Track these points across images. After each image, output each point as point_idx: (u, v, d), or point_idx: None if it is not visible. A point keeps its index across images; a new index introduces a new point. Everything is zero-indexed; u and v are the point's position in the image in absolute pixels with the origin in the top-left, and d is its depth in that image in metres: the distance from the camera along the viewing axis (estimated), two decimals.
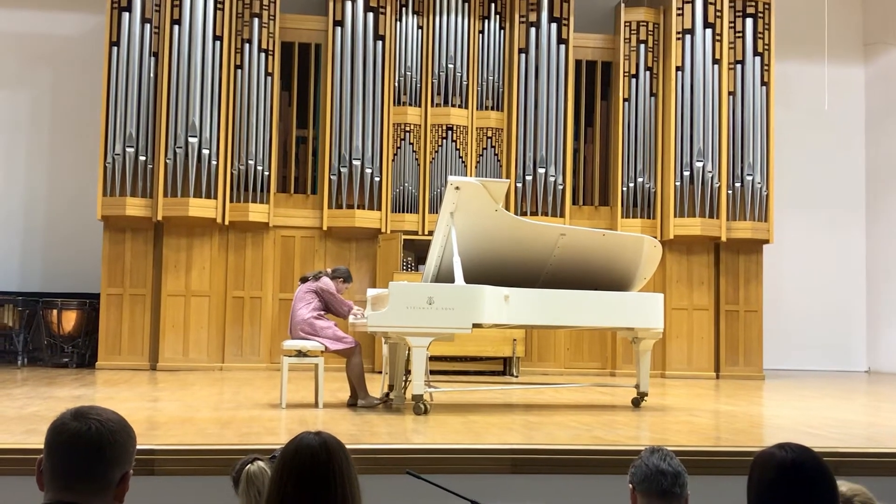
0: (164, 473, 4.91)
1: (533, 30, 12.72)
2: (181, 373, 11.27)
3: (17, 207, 13.08)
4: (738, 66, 12.84)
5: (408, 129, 12.49)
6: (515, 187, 12.47)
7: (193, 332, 11.87)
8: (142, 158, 11.75)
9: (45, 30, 13.23)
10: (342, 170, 12.15)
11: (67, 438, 2.08)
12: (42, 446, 2.12)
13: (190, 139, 11.70)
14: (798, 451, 2.49)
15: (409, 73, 12.51)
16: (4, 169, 13.09)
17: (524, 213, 12.26)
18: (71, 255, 12.79)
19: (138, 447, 2.22)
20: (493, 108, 12.71)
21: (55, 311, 11.79)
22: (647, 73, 12.93)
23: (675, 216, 12.49)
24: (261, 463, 3.44)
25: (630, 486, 2.88)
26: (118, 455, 2.10)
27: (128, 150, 11.67)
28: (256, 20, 12.19)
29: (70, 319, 11.83)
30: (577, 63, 13.01)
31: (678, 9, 12.74)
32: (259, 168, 12.01)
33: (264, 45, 12.23)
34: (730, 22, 12.84)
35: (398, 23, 12.56)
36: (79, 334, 11.89)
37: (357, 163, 12.14)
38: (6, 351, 12.24)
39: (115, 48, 11.83)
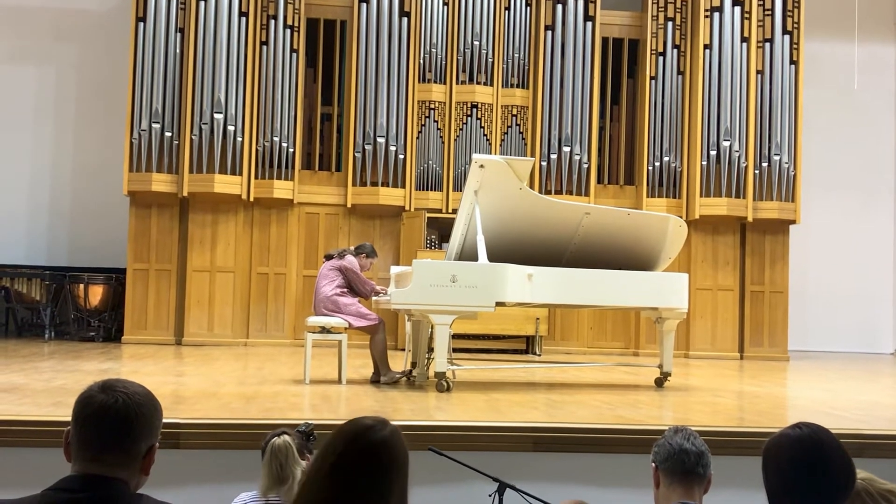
0: (189, 447, 4.95)
1: (560, 7, 12.63)
2: (206, 348, 11.36)
3: (44, 183, 13.18)
4: (767, 45, 12.71)
5: (432, 106, 12.46)
6: (540, 166, 12.42)
7: (218, 308, 11.94)
8: (168, 134, 11.80)
9: (72, 5, 13.28)
10: (366, 147, 12.15)
11: (95, 411, 2.09)
12: (69, 418, 2.15)
13: (215, 115, 11.73)
14: (812, 426, 2.50)
15: (434, 50, 12.46)
16: (31, 145, 13.18)
17: (549, 192, 12.21)
18: (97, 231, 12.89)
19: (163, 421, 2.24)
20: (518, 86, 12.65)
21: (82, 286, 11.90)
22: (675, 50, 12.81)
23: (700, 196, 12.42)
24: (287, 438, 3.48)
25: (653, 465, 2.88)
26: (145, 428, 2.12)
27: (154, 125, 11.72)
28: None
29: (96, 294, 11.94)
30: (604, 40, 12.90)
31: None
32: (284, 145, 12.03)
33: (290, 22, 12.22)
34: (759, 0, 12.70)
35: None
36: (105, 308, 12.00)
37: (381, 140, 12.13)
38: (33, 324, 12.39)
39: (141, 24, 11.86)
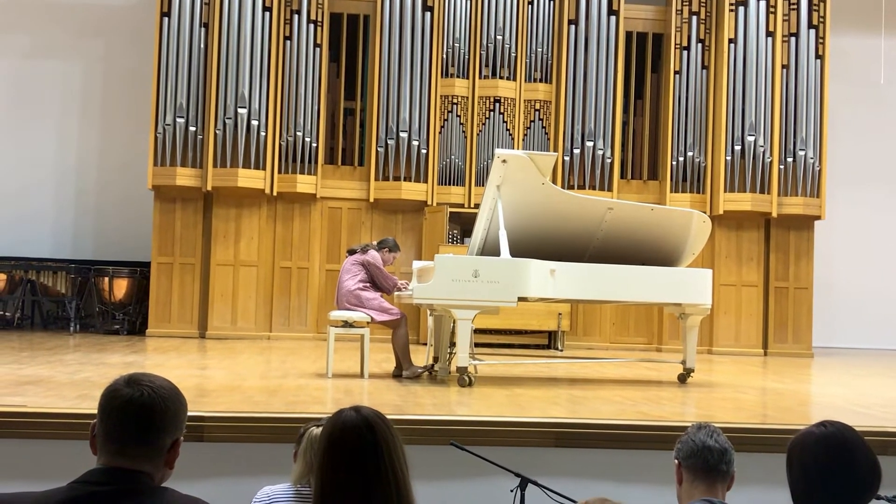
0: (213, 440, 4.98)
1: (583, 0, 12.58)
2: (229, 341, 11.42)
3: (69, 177, 13.29)
4: (793, 39, 12.61)
5: (455, 101, 12.45)
6: (563, 160, 12.39)
7: (242, 302, 12.00)
8: (192, 129, 11.86)
9: (98, 0, 13.36)
10: (389, 142, 12.16)
11: (120, 404, 2.11)
12: (95, 411, 2.16)
13: (239, 110, 11.78)
14: (837, 424, 2.49)
15: (457, 45, 12.45)
16: (57, 139, 13.30)
17: (571, 187, 12.18)
18: (122, 224, 12.99)
19: (188, 414, 2.25)
20: (541, 81, 12.62)
21: (106, 279, 11.99)
22: (699, 45, 12.73)
23: (725, 191, 12.34)
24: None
25: (676, 461, 2.88)
26: (170, 421, 2.14)
27: (178, 120, 11.78)
28: None
29: (121, 287, 12.02)
30: (628, 35, 12.84)
31: None
32: (307, 139, 12.07)
33: (313, 16, 12.24)
34: None
35: None
36: (129, 302, 12.08)
37: (404, 135, 12.14)
38: (59, 317, 12.50)
39: (166, 19, 11.92)
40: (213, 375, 7.50)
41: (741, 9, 12.54)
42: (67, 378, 6.81)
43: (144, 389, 2.12)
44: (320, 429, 3.56)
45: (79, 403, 5.43)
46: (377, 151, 12.20)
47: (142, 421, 2.10)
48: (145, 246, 12.25)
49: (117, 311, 12.01)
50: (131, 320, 12.11)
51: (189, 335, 11.79)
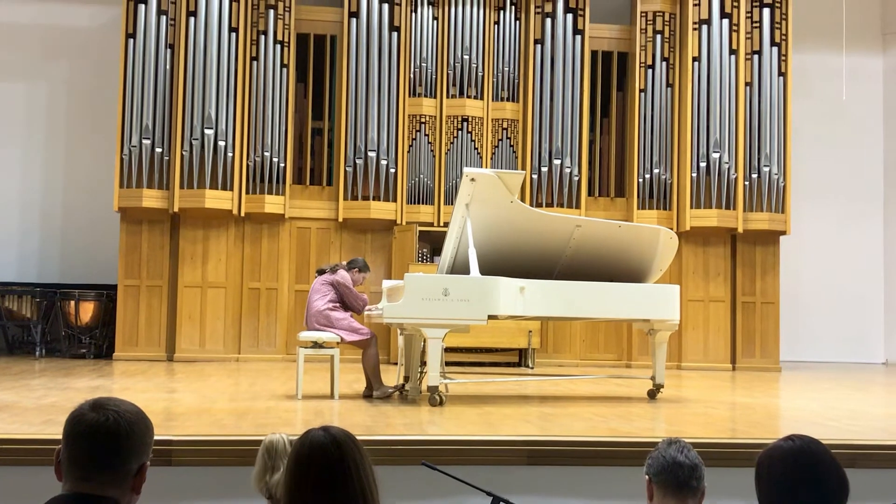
0: (182, 464, 4.93)
1: (549, 20, 12.68)
2: (198, 364, 11.32)
3: (34, 200, 13.14)
4: (755, 57, 12.77)
5: (423, 120, 12.48)
6: (531, 179, 12.44)
7: (210, 324, 11.91)
8: (158, 150, 11.79)
9: (62, 22, 13.28)
10: (357, 161, 12.16)
11: (85, 429, 2.09)
12: (60, 437, 2.14)
13: (206, 131, 11.73)
14: (805, 438, 2.51)
15: (424, 65, 12.49)
16: (22, 161, 13.15)
17: (540, 205, 12.23)
18: (88, 247, 12.86)
19: (155, 438, 2.23)
20: (508, 100, 12.68)
21: (73, 303, 11.86)
22: (664, 63, 12.87)
23: (691, 207, 12.45)
24: (284, 436, 3.57)
25: (646, 477, 2.88)
26: (136, 446, 2.12)
27: (144, 141, 11.72)
28: (272, 11, 12.20)
29: (87, 310, 11.89)
30: (593, 54, 12.95)
31: None
32: (275, 160, 12.04)
33: (280, 37, 12.24)
34: (747, 12, 12.76)
35: (413, 14, 12.53)
36: (96, 325, 11.95)
37: (372, 154, 12.14)
38: (24, 342, 12.33)
39: (131, 40, 11.86)
40: (182, 399, 7.43)
41: (704, 27, 12.69)
42: (33, 403, 6.72)
43: (110, 414, 2.10)
44: (277, 435, 3.59)
45: (45, 429, 5.36)
46: (345, 171, 12.19)
47: (107, 446, 2.08)
48: (112, 269, 12.14)
49: (84, 335, 11.88)
50: (98, 344, 11.98)
51: (157, 358, 11.68)
